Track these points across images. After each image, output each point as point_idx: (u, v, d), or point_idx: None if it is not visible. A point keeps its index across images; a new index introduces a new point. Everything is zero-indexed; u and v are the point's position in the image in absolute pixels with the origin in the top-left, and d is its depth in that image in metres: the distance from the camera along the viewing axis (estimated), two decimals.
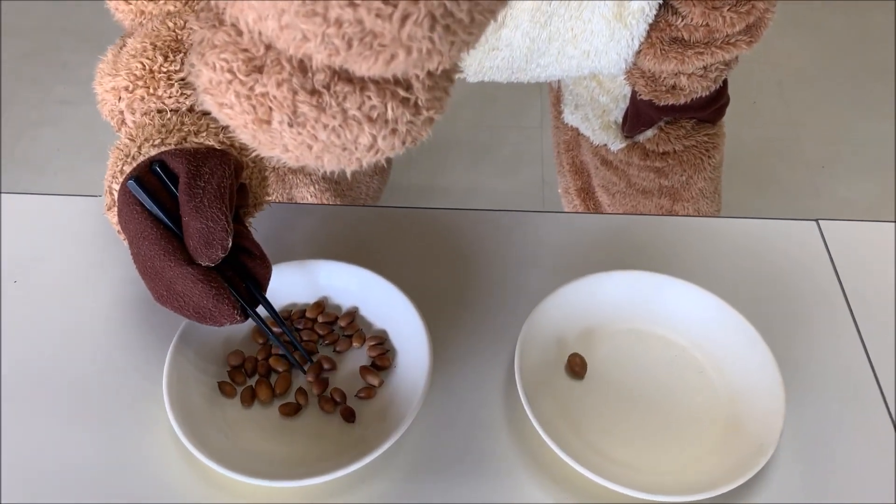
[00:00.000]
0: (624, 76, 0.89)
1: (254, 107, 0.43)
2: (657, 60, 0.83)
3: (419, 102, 0.43)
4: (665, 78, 0.87)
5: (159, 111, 0.65)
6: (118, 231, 0.63)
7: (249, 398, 0.65)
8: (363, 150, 0.44)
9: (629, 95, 0.94)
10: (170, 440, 0.62)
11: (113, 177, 0.62)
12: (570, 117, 1.06)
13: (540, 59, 0.84)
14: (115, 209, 0.61)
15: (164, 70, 0.64)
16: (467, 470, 0.62)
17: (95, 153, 1.83)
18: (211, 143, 0.62)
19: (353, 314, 0.70)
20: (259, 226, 0.76)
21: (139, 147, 0.61)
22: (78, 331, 0.70)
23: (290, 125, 0.43)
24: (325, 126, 0.42)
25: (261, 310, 0.63)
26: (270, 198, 0.68)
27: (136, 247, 0.58)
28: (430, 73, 0.42)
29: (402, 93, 0.42)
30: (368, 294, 0.70)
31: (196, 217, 0.55)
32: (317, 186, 1.07)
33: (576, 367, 0.67)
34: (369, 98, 0.42)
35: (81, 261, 0.75)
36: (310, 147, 0.44)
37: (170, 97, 0.65)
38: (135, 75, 0.65)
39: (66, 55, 2.06)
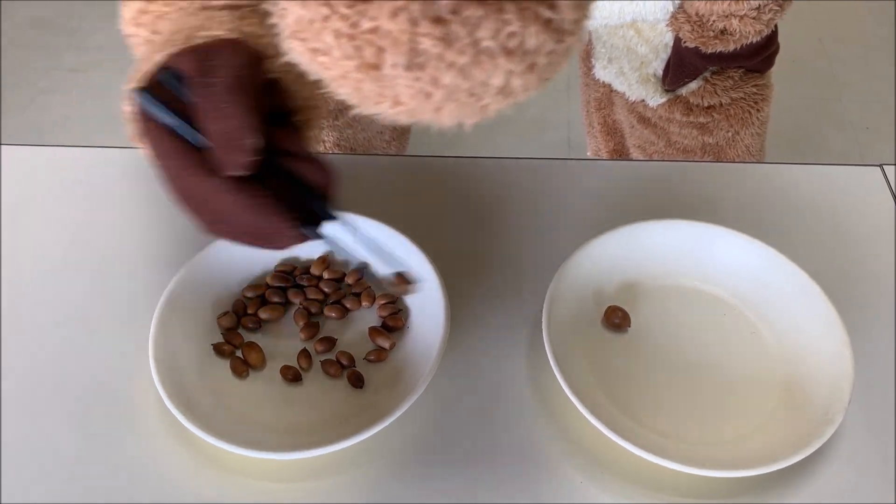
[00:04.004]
0: (667, 22, 0.82)
1: (358, 48, 0.34)
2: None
3: (563, 26, 0.35)
4: (714, 21, 0.80)
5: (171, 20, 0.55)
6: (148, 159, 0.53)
7: (243, 368, 0.58)
8: (493, 93, 0.36)
9: (670, 44, 0.86)
10: (159, 413, 0.56)
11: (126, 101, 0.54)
12: (603, 72, 0.99)
13: None
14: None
15: None
16: (487, 439, 0.55)
17: (105, 121, 1.78)
18: (218, 33, 0.52)
19: (361, 270, 0.64)
20: None
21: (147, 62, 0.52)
22: (60, 298, 0.64)
23: (408, 68, 0.34)
24: (451, 65, 0.34)
25: None
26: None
27: (164, 169, 0.48)
28: None
29: (545, 13, 0.34)
30: None
31: (211, 117, 0.46)
32: (330, 154, 1.00)
33: (616, 319, 0.60)
34: (507, 23, 0.33)
35: (68, 213, 0.69)
36: (429, 95, 0.35)
37: None
38: None
39: (76, 22, 2.01)
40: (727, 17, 0.79)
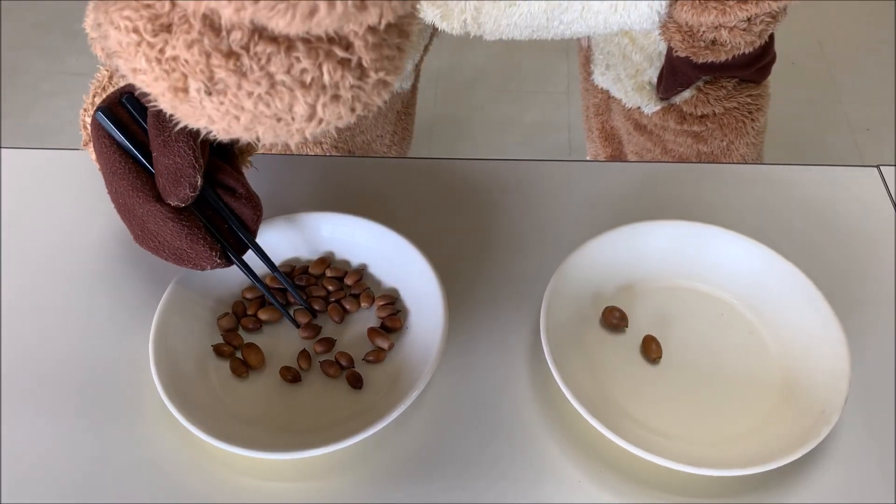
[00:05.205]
0: (658, 31, 0.81)
1: (167, 72, 0.37)
2: (695, 12, 0.75)
3: (364, 63, 0.37)
4: (704, 32, 0.79)
5: None
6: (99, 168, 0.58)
7: (242, 369, 0.58)
8: (302, 120, 0.38)
9: (664, 53, 0.86)
10: (159, 413, 0.56)
11: (85, 110, 0.57)
12: (601, 78, 0.99)
13: (562, 16, 0.77)
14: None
15: None
16: (485, 439, 0.55)
17: None
18: None
19: (360, 272, 0.64)
20: (261, 178, 0.70)
21: (110, 77, 0.57)
22: (59, 298, 0.64)
23: (209, 93, 0.37)
24: (250, 94, 0.37)
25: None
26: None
27: (109, 183, 0.54)
28: (372, 29, 0.36)
29: (339, 53, 0.36)
30: (378, 249, 0.64)
31: (164, 152, 0.51)
32: (328, 156, 1.00)
33: (614, 319, 0.60)
34: (298, 60, 0.36)
35: (71, 215, 0.69)
36: (237, 118, 0.38)
37: None
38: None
39: (79, 25, 2.01)
40: (716, 28, 0.78)
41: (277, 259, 0.64)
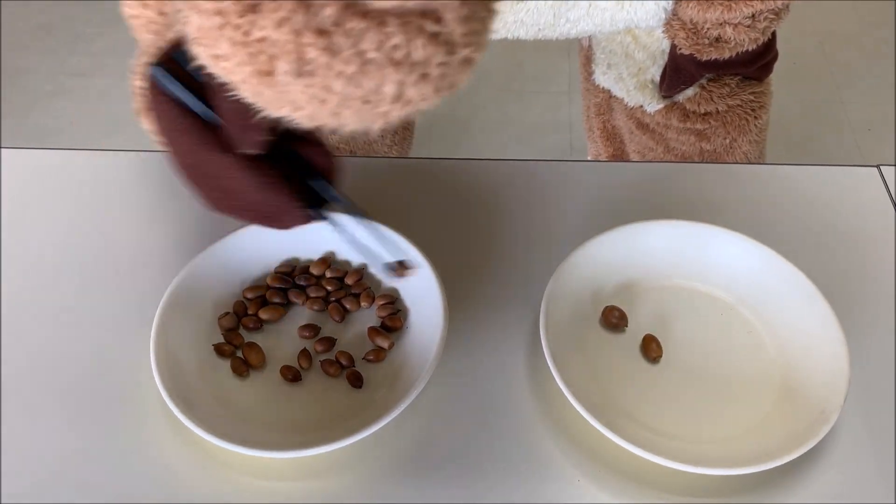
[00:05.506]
0: (662, 28, 0.82)
1: (252, 55, 0.36)
2: (701, 8, 0.75)
3: (453, 38, 0.36)
4: (708, 29, 0.79)
5: None
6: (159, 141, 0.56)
7: (243, 368, 0.59)
8: (389, 101, 0.37)
9: (668, 51, 0.87)
10: (160, 412, 0.56)
11: (135, 74, 0.55)
12: (602, 78, 0.99)
13: (569, 13, 0.77)
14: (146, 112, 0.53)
15: None
16: (485, 438, 0.55)
17: (110, 126, 1.79)
18: None
19: (361, 271, 0.64)
20: None
21: (162, 37, 0.54)
22: (59, 298, 0.64)
23: (298, 75, 0.36)
24: (340, 74, 0.36)
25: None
26: None
27: (174, 144, 0.50)
28: (463, 1, 0.36)
29: (431, 27, 0.35)
30: (378, 249, 0.64)
31: (226, 95, 0.46)
32: None
33: (613, 318, 0.60)
34: (390, 35, 0.35)
35: (71, 215, 0.69)
36: (324, 101, 0.37)
37: None
38: None
39: (80, 26, 2.02)
40: (721, 24, 0.79)
41: (277, 259, 0.65)
